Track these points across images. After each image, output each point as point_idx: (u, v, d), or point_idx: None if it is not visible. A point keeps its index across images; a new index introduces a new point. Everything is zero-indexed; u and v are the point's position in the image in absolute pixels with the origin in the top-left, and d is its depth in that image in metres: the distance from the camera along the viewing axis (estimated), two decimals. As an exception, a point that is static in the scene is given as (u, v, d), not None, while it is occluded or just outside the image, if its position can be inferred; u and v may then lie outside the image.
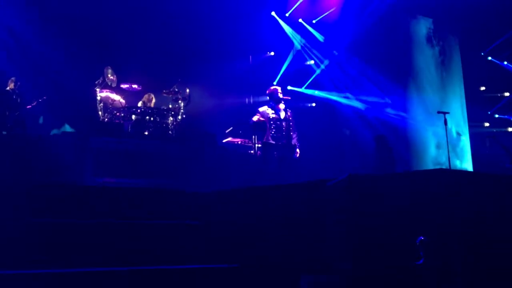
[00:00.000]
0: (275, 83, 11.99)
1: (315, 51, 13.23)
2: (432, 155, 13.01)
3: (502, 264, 4.13)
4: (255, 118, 8.07)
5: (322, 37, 13.08)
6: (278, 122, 7.97)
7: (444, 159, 12.68)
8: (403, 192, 4.33)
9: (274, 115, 7.96)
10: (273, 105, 8.09)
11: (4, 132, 8.72)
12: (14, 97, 9.31)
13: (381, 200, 4.24)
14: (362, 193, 4.24)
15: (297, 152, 8.05)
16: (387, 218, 4.14)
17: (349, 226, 4.11)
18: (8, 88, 9.35)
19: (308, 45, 13.13)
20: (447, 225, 4.15)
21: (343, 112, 13.14)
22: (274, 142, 7.85)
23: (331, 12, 12.78)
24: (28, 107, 9.57)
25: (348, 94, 13.12)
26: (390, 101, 12.97)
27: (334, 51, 13.03)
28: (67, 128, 10.05)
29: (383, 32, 12.81)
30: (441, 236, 4.02)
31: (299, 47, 12.96)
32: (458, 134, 12.25)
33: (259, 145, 8.61)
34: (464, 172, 6.84)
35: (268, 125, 7.93)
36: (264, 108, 8.11)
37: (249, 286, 4.50)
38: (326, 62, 13.07)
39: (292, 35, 12.98)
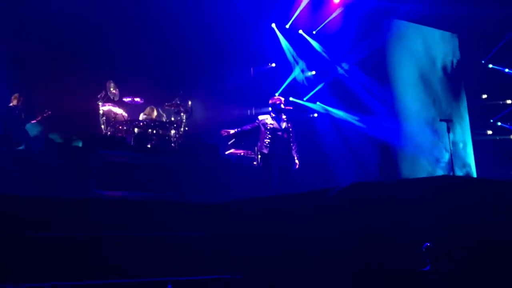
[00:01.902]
0: (277, 94, 12.00)
1: (312, 73, 13.31)
2: (430, 167, 13.02)
3: (507, 269, 4.10)
4: (246, 127, 8.15)
5: (323, 49, 13.12)
6: (279, 132, 7.90)
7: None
8: (407, 199, 4.31)
9: (272, 125, 7.91)
10: (275, 115, 8.05)
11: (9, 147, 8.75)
12: (17, 112, 9.35)
13: (385, 207, 4.23)
14: (365, 200, 4.23)
15: (297, 164, 8.00)
16: (391, 225, 4.13)
17: (354, 233, 4.10)
18: (11, 104, 9.39)
19: (306, 69, 13.19)
20: (452, 231, 4.13)
21: (342, 123, 13.16)
22: (267, 152, 7.80)
23: (331, 21, 12.79)
24: (32, 121, 9.60)
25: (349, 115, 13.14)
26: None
27: (344, 64, 13.05)
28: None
29: (381, 43, 12.88)
30: (447, 242, 4.00)
31: (298, 71, 12.99)
32: None
33: (260, 156, 8.61)
34: (467, 179, 6.82)
35: (263, 134, 7.89)
36: (264, 117, 8.07)
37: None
38: (321, 85, 13.09)
39: (291, 57, 13.02)
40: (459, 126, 13.62)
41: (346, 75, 13.08)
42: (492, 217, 4.35)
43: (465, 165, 12.93)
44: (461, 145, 13.49)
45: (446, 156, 12.84)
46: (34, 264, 4.21)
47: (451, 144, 9.69)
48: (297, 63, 13.08)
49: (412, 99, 13.40)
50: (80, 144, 9.31)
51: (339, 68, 13.09)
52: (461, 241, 4.10)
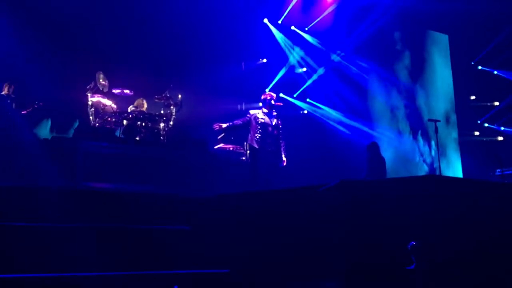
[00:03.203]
0: (267, 90, 11.99)
1: (308, 59, 13.28)
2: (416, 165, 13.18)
3: (492, 268, 4.15)
4: (237, 121, 8.15)
5: (317, 40, 13.15)
6: (269, 128, 7.94)
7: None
8: (394, 197, 4.34)
9: (264, 120, 7.94)
10: (267, 110, 8.08)
11: None
12: (9, 101, 9.23)
13: (373, 205, 4.25)
14: (353, 198, 4.25)
15: (284, 161, 8.04)
16: (378, 223, 4.15)
17: (341, 231, 4.12)
18: (3, 93, 9.28)
19: (300, 54, 13.18)
20: (437, 230, 4.17)
21: (332, 121, 13.22)
22: (257, 147, 7.82)
23: (323, 18, 12.82)
24: (23, 112, 9.50)
25: (339, 114, 13.16)
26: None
27: (338, 51, 13.07)
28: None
29: (372, 41, 12.95)
30: (432, 241, 4.04)
31: (292, 59, 13.00)
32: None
33: (249, 151, 8.62)
34: (455, 179, 6.89)
35: (254, 128, 7.91)
36: (255, 111, 8.10)
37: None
38: (321, 70, 13.09)
39: (284, 45, 13.02)
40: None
41: (343, 61, 13.11)
42: (478, 215, 4.40)
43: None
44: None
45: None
46: (18, 255, 4.18)
47: (438, 144, 9.75)
48: (293, 49, 13.06)
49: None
50: (68, 135, 9.25)
51: (334, 56, 13.12)
52: (447, 240, 4.14)
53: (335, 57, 13.12)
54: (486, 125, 14.45)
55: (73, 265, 4.21)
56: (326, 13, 12.75)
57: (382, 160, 9.26)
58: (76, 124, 9.55)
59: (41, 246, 4.34)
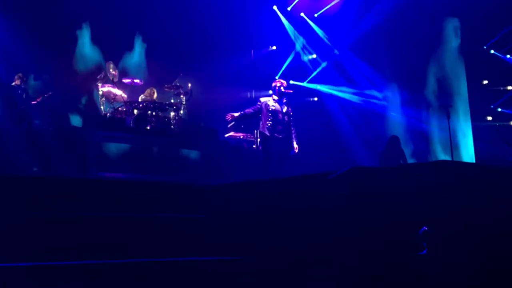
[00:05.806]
0: (277, 77, 11.95)
1: (313, 51, 13.24)
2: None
3: (503, 255, 4.12)
4: (248, 110, 8.11)
5: (324, 33, 13.07)
6: (280, 115, 7.93)
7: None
8: (406, 184, 4.32)
9: (274, 108, 7.92)
10: (277, 98, 8.06)
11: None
12: (20, 92, 9.32)
13: (384, 192, 4.23)
14: (364, 185, 4.23)
15: (296, 148, 8.01)
16: (389, 210, 4.13)
17: (352, 218, 4.11)
18: (14, 83, 9.37)
19: (308, 46, 13.13)
20: (450, 217, 4.15)
21: (344, 107, 13.14)
22: (268, 134, 7.80)
23: (333, 5, 12.73)
24: (33, 102, 9.58)
25: (350, 90, 13.09)
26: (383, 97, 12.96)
27: (335, 51, 13.01)
28: None
29: (382, 27, 12.83)
30: (444, 228, 4.02)
31: (298, 48, 12.96)
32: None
33: (260, 139, 8.62)
34: (468, 164, 6.83)
35: (265, 116, 7.89)
36: (266, 99, 8.08)
37: (252, 278, 4.51)
38: (324, 64, 13.03)
39: (293, 34, 12.97)
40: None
41: (346, 59, 13.04)
42: (491, 203, 4.36)
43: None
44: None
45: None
46: (30, 244, 4.22)
47: (450, 130, 9.66)
48: (297, 40, 13.02)
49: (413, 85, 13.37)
50: (79, 125, 9.32)
51: (336, 52, 13.07)
52: (459, 226, 4.12)
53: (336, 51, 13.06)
54: (499, 109, 14.29)
55: (86, 254, 4.24)
56: (336, 1, 12.64)
57: (401, 154, 9.19)
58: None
59: (53, 236, 4.38)
